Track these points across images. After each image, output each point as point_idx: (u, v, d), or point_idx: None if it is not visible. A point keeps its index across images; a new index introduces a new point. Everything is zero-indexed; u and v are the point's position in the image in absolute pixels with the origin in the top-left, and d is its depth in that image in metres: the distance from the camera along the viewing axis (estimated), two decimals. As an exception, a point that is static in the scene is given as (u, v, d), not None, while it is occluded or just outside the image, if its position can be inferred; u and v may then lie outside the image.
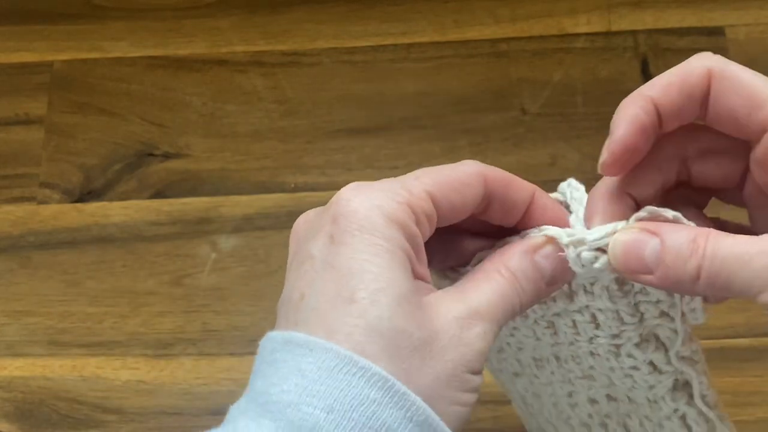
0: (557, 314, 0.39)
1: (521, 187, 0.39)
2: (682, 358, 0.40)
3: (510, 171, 0.78)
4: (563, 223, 0.38)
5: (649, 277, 0.35)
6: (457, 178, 0.37)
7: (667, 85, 0.35)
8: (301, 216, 0.38)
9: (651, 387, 0.41)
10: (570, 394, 0.44)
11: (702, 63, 0.34)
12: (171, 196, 0.73)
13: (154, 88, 0.77)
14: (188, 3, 0.80)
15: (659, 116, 0.35)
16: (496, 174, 0.39)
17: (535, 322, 0.40)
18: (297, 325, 0.34)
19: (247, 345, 0.68)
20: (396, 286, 0.33)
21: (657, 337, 0.40)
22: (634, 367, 0.41)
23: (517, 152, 0.73)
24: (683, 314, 0.39)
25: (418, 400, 0.32)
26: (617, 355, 0.40)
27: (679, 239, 0.34)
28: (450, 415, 0.33)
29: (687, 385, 0.41)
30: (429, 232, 0.36)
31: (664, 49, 0.75)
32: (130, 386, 0.67)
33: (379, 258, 0.33)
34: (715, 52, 0.76)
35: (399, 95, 0.76)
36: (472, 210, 0.37)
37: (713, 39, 0.75)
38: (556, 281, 0.38)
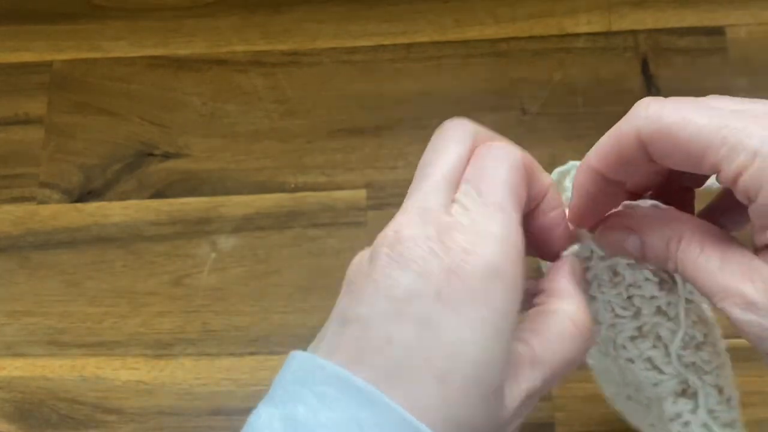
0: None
1: (541, 180, 0.38)
2: (687, 364, 0.40)
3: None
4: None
5: (635, 258, 0.35)
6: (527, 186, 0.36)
7: (605, 155, 0.34)
8: (389, 226, 0.34)
9: (654, 385, 0.41)
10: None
11: (632, 127, 0.33)
12: (171, 196, 0.73)
13: (154, 88, 0.77)
14: (188, 3, 0.80)
15: (609, 180, 0.35)
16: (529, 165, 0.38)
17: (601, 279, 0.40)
18: (373, 368, 0.31)
19: (247, 345, 0.68)
20: (487, 381, 0.32)
21: (657, 335, 0.40)
22: (629, 360, 0.40)
23: (517, 152, 0.73)
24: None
25: None
26: (614, 343, 0.40)
27: (655, 241, 0.34)
28: None
29: (695, 393, 0.41)
30: None
31: (664, 49, 0.75)
32: (129, 386, 0.67)
33: (483, 338, 0.31)
34: (715, 52, 0.76)
35: (399, 95, 0.75)
36: None
37: (713, 39, 0.75)
38: None
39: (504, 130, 0.74)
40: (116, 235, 0.72)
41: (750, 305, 0.32)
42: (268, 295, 0.69)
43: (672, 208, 0.36)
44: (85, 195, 0.74)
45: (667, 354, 0.40)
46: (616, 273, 0.38)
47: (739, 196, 0.32)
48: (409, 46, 0.77)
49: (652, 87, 0.74)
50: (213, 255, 0.71)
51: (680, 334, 0.39)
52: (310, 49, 0.78)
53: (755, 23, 0.76)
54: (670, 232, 0.34)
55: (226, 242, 0.71)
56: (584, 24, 0.77)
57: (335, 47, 0.78)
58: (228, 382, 0.67)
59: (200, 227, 0.72)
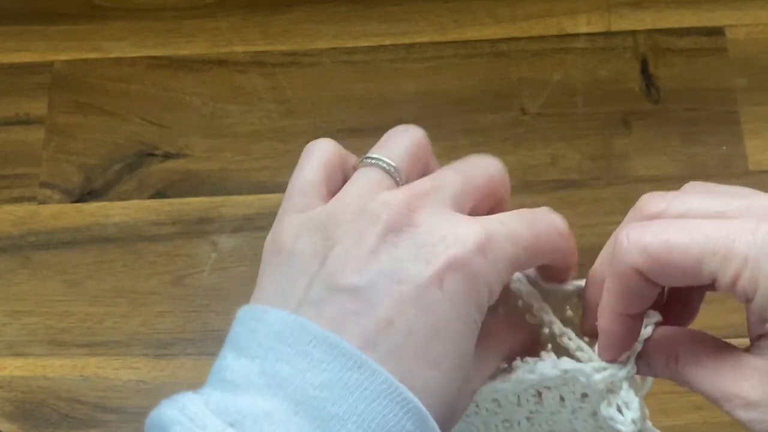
0: (547, 387, 0.40)
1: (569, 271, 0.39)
2: None
3: (510, 171, 0.78)
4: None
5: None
6: (546, 256, 0.37)
7: (621, 297, 0.35)
8: (398, 197, 0.35)
9: None
10: None
11: (627, 264, 0.34)
12: (171, 196, 0.73)
13: (155, 88, 0.77)
14: (188, 3, 0.80)
15: (631, 314, 0.36)
16: (571, 252, 0.39)
17: (525, 390, 0.41)
18: (374, 347, 0.32)
19: (247, 345, 0.68)
20: (467, 364, 0.34)
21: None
22: None
23: (517, 152, 0.73)
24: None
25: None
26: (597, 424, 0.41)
27: (657, 362, 0.37)
28: None
29: None
30: None
31: (664, 49, 0.75)
32: (130, 386, 0.67)
33: (470, 335, 0.34)
34: (714, 52, 0.76)
35: (399, 95, 0.76)
36: None
37: (713, 39, 0.75)
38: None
39: (504, 130, 0.75)
40: (117, 235, 0.72)
41: (749, 404, 0.33)
42: (268, 294, 0.69)
43: (667, 327, 0.38)
44: (85, 195, 0.74)
45: None
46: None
47: (739, 298, 0.33)
48: (409, 47, 0.77)
49: (651, 87, 0.74)
50: (213, 255, 0.71)
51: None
52: (310, 49, 0.78)
53: (755, 23, 0.76)
54: (667, 352, 0.36)
55: (227, 242, 0.71)
56: (584, 24, 0.77)
57: (335, 47, 0.78)
58: (228, 381, 0.67)
59: (200, 227, 0.72)
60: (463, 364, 0.34)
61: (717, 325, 0.55)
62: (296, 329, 0.33)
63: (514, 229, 0.35)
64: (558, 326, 0.40)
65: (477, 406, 0.41)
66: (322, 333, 0.32)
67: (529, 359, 0.40)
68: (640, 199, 0.37)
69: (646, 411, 0.41)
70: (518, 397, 0.41)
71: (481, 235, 0.34)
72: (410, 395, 0.32)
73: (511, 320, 0.39)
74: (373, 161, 0.39)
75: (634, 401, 0.40)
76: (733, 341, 0.36)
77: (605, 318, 0.37)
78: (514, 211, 0.37)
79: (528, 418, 0.42)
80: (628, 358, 0.38)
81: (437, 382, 0.33)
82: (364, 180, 0.37)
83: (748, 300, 0.33)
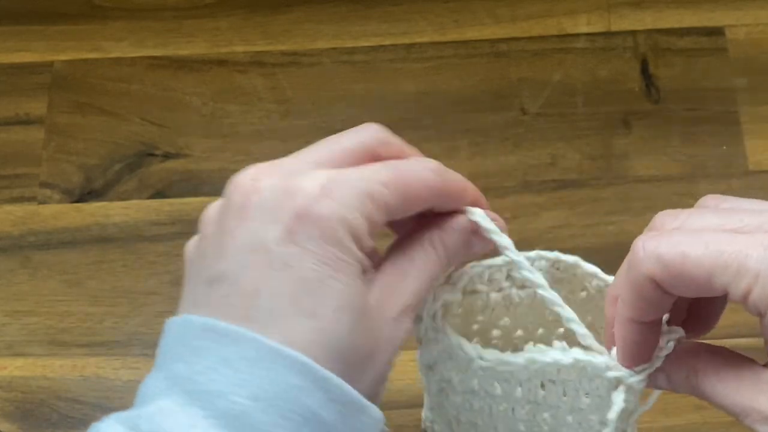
0: (552, 381, 0.41)
1: (466, 196, 0.39)
2: None
3: (510, 171, 0.78)
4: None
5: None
6: (415, 193, 0.37)
7: (634, 306, 0.36)
8: (246, 173, 0.37)
9: None
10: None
11: (641, 273, 0.34)
12: (171, 196, 0.73)
13: (155, 88, 0.77)
14: (188, 3, 0.80)
15: (646, 322, 0.36)
16: (452, 184, 0.38)
17: (530, 379, 0.41)
18: (249, 319, 0.33)
19: (247, 345, 0.68)
20: (354, 306, 0.34)
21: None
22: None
23: (517, 152, 0.73)
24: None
25: (341, 383, 0.33)
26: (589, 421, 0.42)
27: (677, 377, 0.37)
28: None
29: None
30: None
31: (664, 49, 0.75)
32: (130, 386, 0.67)
33: (341, 274, 0.34)
34: (714, 52, 0.76)
35: (399, 95, 0.76)
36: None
37: (713, 39, 0.75)
38: (476, 253, 0.40)
39: (504, 130, 0.75)
40: (117, 235, 0.72)
41: (767, 419, 0.34)
42: (268, 294, 0.69)
43: (687, 341, 0.38)
44: (85, 195, 0.74)
45: None
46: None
47: (751, 312, 0.34)
48: (409, 47, 0.77)
49: (651, 87, 0.74)
50: (213, 255, 0.71)
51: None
52: (310, 49, 0.78)
53: (755, 23, 0.76)
54: (687, 366, 0.37)
55: (227, 242, 0.71)
56: (584, 24, 0.77)
57: (335, 47, 0.78)
58: (228, 381, 0.67)
59: (201, 227, 0.72)
60: (347, 304, 0.34)
61: (719, 325, 0.55)
62: (185, 328, 0.34)
63: (369, 169, 0.36)
64: (566, 311, 0.40)
65: (477, 386, 0.41)
66: (204, 323, 0.34)
67: (541, 345, 0.40)
68: (655, 216, 0.37)
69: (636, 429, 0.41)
70: (521, 384, 0.41)
71: (323, 179, 0.35)
72: (288, 350, 0.33)
73: (426, 237, 0.38)
74: None
75: (635, 417, 0.40)
76: (739, 341, 0.36)
77: (620, 325, 0.37)
78: None
79: (527, 407, 0.42)
80: (644, 369, 0.38)
81: (318, 331, 0.33)
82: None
83: (760, 314, 0.33)
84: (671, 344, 0.37)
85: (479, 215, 0.39)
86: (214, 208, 0.37)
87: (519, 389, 0.41)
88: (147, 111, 0.76)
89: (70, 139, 0.76)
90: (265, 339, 0.33)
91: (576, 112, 0.74)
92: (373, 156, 0.38)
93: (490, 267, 0.43)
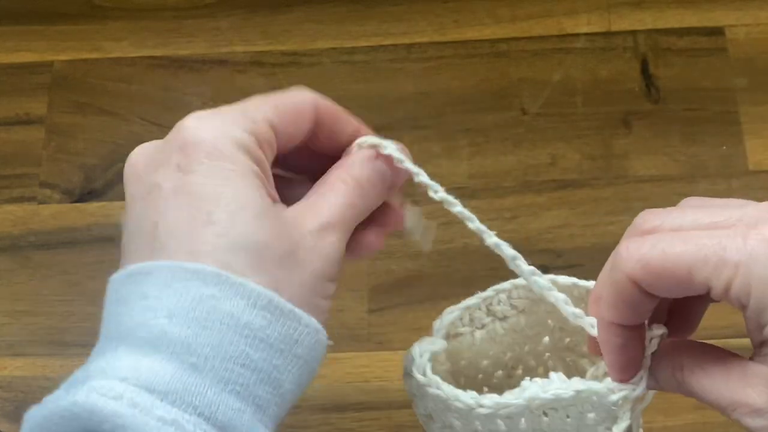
0: (554, 409, 0.40)
1: (348, 122, 0.41)
2: None
3: (510, 171, 0.79)
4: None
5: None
6: (294, 108, 0.39)
7: (614, 307, 0.36)
8: (136, 149, 0.38)
9: None
10: None
11: (622, 273, 0.34)
12: (171, 196, 0.73)
13: (155, 88, 0.77)
14: (188, 3, 0.80)
15: (629, 326, 0.36)
16: (327, 106, 0.41)
17: (531, 411, 0.41)
18: (153, 253, 0.34)
19: (247, 345, 0.68)
20: (253, 204, 0.35)
21: None
22: None
23: (517, 152, 0.73)
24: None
25: (259, 287, 0.33)
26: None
27: (663, 375, 0.37)
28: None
29: None
30: (271, 157, 0.37)
31: (664, 49, 0.75)
32: (130, 386, 0.67)
33: (232, 182, 0.35)
34: (714, 52, 0.76)
35: (399, 95, 0.76)
36: (304, 137, 0.40)
37: (713, 39, 0.75)
38: (396, 184, 0.41)
39: (504, 130, 0.75)
40: (117, 234, 0.72)
41: (756, 411, 0.34)
42: (268, 294, 0.69)
43: (671, 339, 0.38)
44: (85, 195, 0.74)
45: None
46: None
47: (734, 305, 0.34)
48: (409, 46, 0.77)
49: (651, 87, 0.74)
50: (213, 255, 0.71)
51: None
52: (310, 49, 0.78)
53: (754, 23, 0.76)
54: (673, 363, 0.37)
55: (227, 242, 0.71)
56: (584, 24, 0.77)
57: (335, 47, 0.78)
58: (228, 381, 0.67)
59: (201, 227, 0.72)
60: (246, 204, 0.34)
61: (718, 325, 0.55)
62: (111, 285, 0.39)
63: (248, 101, 0.39)
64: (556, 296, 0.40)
65: (481, 426, 0.41)
66: (121, 273, 0.37)
67: (537, 379, 0.39)
68: (637, 216, 0.37)
69: (641, 421, 0.41)
70: (524, 416, 0.41)
71: (205, 114, 0.37)
72: (194, 264, 0.33)
73: (346, 163, 0.39)
74: None
75: (637, 414, 0.40)
76: (736, 341, 0.36)
77: (603, 329, 0.37)
78: None
79: None
80: (641, 378, 0.38)
81: (221, 236, 0.34)
82: None
83: (743, 306, 0.33)
84: (654, 342, 0.37)
85: (384, 145, 0.40)
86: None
87: (522, 421, 0.41)
88: (147, 111, 0.76)
89: (70, 139, 0.76)
90: (172, 262, 0.34)
91: (576, 112, 0.74)
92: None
93: (468, 308, 0.43)
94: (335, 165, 0.39)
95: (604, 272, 0.37)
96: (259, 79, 0.77)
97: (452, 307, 0.43)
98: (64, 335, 0.69)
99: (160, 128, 0.76)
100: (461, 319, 0.43)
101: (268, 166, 0.37)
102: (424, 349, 0.40)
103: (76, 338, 0.69)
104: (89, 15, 0.80)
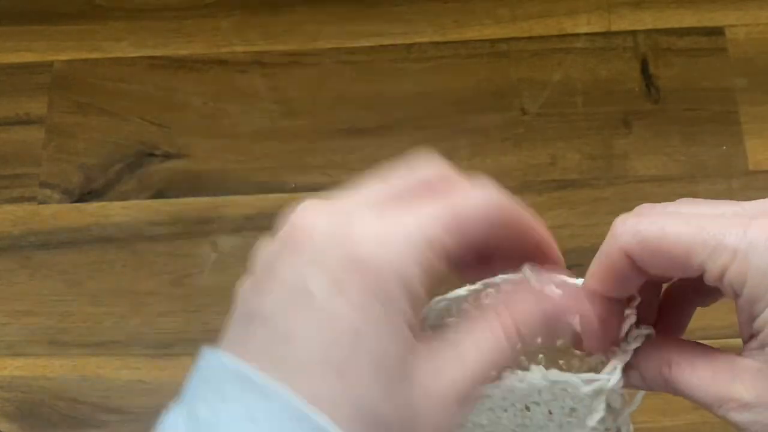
0: (536, 402, 0.40)
1: (531, 232, 0.36)
2: None
3: (510, 171, 0.79)
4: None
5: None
6: (475, 221, 0.34)
7: (602, 277, 0.35)
8: (298, 212, 0.34)
9: None
10: None
11: (616, 245, 0.34)
12: (171, 196, 0.73)
13: (155, 88, 0.77)
14: (188, 3, 0.80)
15: (613, 300, 0.36)
16: (512, 212, 0.35)
17: (513, 404, 0.41)
18: (278, 366, 0.32)
19: (247, 345, 0.68)
20: (392, 370, 0.32)
21: None
22: None
23: (517, 152, 0.73)
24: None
25: None
26: None
27: (650, 372, 0.36)
28: None
29: None
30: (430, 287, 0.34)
31: (663, 49, 0.75)
32: (130, 386, 0.67)
33: (383, 334, 0.32)
34: (714, 52, 0.76)
35: (399, 95, 0.76)
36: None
37: (713, 39, 0.75)
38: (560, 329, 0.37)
39: (504, 130, 0.75)
40: (117, 235, 0.72)
41: (743, 406, 0.34)
42: (268, 294, 0.70)
43: (658, 336, 0.37)
44: (85, 195, 0.74)
45: None
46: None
47: (727, 293, 0.33)
48: (409, 47, 0.77)
49: (651, 87, 0.74)
50: (213, 255, 0.71)
51: None
52: (310, 49, 0.78)
53: (754, 24, 0.76)
54: (660, 361, 0.36)
55: (227, 242, 0.71)
56: (584, 24, 0.77)
57: (335, 47, 0.78)
58: (228, 381, 0.67)
59: (201, 227, 0.72)
60: (382, 368, 0.32)
61: (717, 325, 0.55)
62: (217, 367, 0.33)
63: (426, 212, 0.33)
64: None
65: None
66: (237, 369, 0.32)
67: (518, 370, 0.39)
68: (634, 209, 0.37)
69: (631, 428, 0.41)
70: (506, 410, 0.41)
71: (377, 226, 0.32)
72: (313, 414, 0.31)
73: (479, 328, 0.35)
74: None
75: (625, 416, 0.40)
76: (735, 341, 0.36)
77: (586, 295, 0.35)
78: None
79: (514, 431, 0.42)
80: (615, 368, 0.38)
81: (347, 391, 0.31)
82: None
83: (736, 295, 0.33)
84: (640, 339, 0.37)
85: (568, 283, 0.36)
86: (265, 245, 0.35)
87: (504, 414, 0.41)
88: (147, 111, 0.76)
89: (70, 139, 0.76)
90: (294, 398, 0.31)
91: (576, 112, 0.74)
92: (428, 188, 0.35)
93: (456, 298, 0.42)
94: (498, 300, 0.35)
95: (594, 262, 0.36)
96: (259, 79, 0.77)
97: (439, 297, 0.42)
98: (64, 335, 0.69)
99: (161, 128, 0.76)
100: (448, 310, 0.42)
101: (423, 302, 0.33)
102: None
103: (76, 338, 0.69)
104: (89, 15, 0.80)
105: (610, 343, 0.38)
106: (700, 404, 0.35)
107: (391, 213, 0.33)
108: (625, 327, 0.37)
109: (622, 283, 0.35)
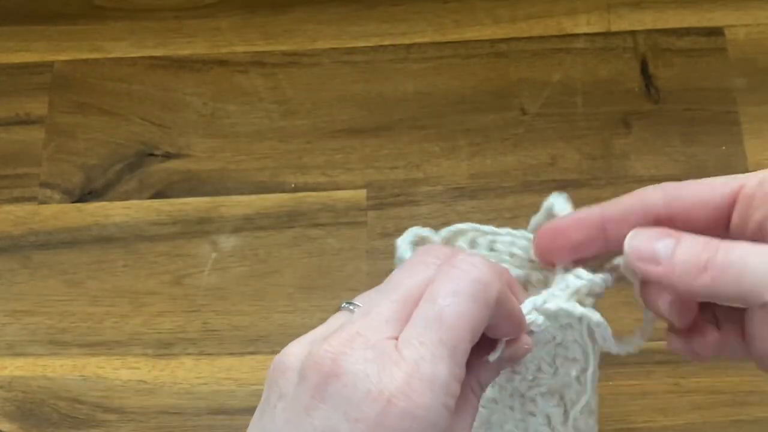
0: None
1: (516, 328, 0.38)
2: (577, 427, 0.41)
3: (510, 171, 0.78)
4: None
5: (654, 268, 0.37)
6: (489, 328, 0.36)
7: (626, 212, 0.36)
8: (327, 349, 0.34)
9: None
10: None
11: (648, 201, 0.37)
12: (171, 196, 0.73)
13: (155, 88, 0.77)
14: (188, 3, 0.80)
15: (604, 232, 0.36)
16: (510, 309, 0.37)
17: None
18: None
19: (247, 345, 0.68)
20: None
21: (561, 396, 0.41)
22: (531, 413, 0.41)
23: (517, 152, 0.73)
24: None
25: None
26: (522, 397, 0.41)
27: (695, 239, 0.36)
28: None
29: None
30: None
31: (663, 49, 0.75)
32: (130, 386, 0.67)
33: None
34: (714, 52, 0.76)
35: (399, 95, 0.76)
36: None
37: (713, 39, 0.75)
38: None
39: (504, 130, 0.75)
40: (117, 234, 0.72)
41: None
42: (268, 294, 0.69)
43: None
44: (85, 195, 0.74)
45: (566, 414, 0.41)
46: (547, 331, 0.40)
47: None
48: (409, 47, 0.77)
49: (651, 87, 0.74)
50: (213, 255, 0.71)
51: (584, 400, 0.40)
52: (310, 49, 0.78)
53: (754, 24, 0.76)
54: (709, 240, 0.36)
55: (227, 242, 0.71)
56: (584, 24, 0.77)
57: (335, 47, 0.78)
58: (228, 381, 0.67)
59: (201, 227, 0.72)
60: None
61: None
62: None
63: (448, 340, 0.33)
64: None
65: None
66: None
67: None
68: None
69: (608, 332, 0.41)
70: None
71: (407, 370, 0.32)
72: None
73: None
74: (345, 306, 0.37)
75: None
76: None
77: (587, 214, 0.37)
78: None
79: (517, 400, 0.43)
80: (608, 271, 0.38)
81: None
82: (322, 328, 0.36)
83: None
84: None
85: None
86: (293, 357, 0.36)
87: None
88: (147, 111, 0.76)
89: (70, 139, 0.76)
90: None
91: (576, 112, 0.74)
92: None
93: (476, 230, 0.42)
94: (472, 372, 0.37)
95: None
96: (259, 79, 0.77)
97: (460, 225, 0.42)
98: (64, 335, 0.69)
99: (161, 128, 0.76)
100: (465, 236, 0.42)
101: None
102: (408, 234, 0.40)
103: (76, 338, 0.69)
104: (89, 15, 0.80)
105: (564, 254, 0.40)
106: (738, 295, 0.34)
107: (424, 348, 0.33)
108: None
109: (627, 219, 0.40)
